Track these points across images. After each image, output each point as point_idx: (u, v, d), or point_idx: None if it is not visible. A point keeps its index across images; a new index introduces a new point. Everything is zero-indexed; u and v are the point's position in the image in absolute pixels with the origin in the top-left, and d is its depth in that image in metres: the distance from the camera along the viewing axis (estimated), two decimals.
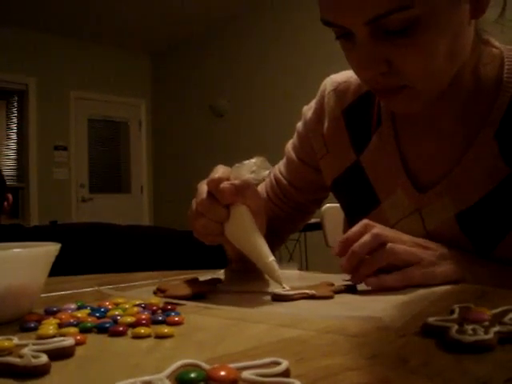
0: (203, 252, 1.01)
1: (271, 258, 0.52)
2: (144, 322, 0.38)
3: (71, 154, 5.66)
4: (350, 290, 0.52)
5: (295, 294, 0.48)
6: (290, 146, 0.84)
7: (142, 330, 0.36)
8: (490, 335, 0.30)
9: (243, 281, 0.60)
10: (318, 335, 0.35)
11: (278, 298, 0.48)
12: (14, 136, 5.46)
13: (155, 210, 6.30)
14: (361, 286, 0.52)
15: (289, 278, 0.53)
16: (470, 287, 0.52)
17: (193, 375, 0.24)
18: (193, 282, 0.54)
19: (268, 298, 0.49)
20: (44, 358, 0.28)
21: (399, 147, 0.67)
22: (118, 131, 6.24)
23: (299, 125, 0.82)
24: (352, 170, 0.72)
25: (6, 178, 1.54)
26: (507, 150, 0.59)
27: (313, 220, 1.03)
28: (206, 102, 5.37)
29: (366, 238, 0.53)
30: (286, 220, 0.86)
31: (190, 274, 0.64)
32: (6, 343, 0.31)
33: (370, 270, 0.52)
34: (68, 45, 5.57)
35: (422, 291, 0.49)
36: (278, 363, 0.26)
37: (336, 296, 0.49)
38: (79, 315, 0.41)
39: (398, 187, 0.66)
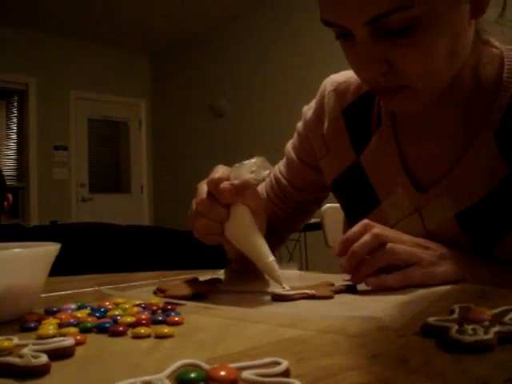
0: (203, 252, 1.01)
1: (271, 257, 0.52)
2: (144, 322, 0.38)
3: (71, 154, 5.66)
4: (350, 289, 0.52)
5: (295, 294, 0.48)
6: (289, 146, 0.84)
7: (142, 330, 0.36)
8: (490, 335, 0.30)
9: (243, 281, 0.60)
10: (317, 335, 0.35)
11: (278, 298, 0.48)
12: (14, 136, 5.47)
13: (155, 210, 6.30)
14: (361, 286, 0.52)
15: (289, 278, 0.53)
16: (470, 287, 0.52)
17: (193, 375, 0.24)
18: (193, 282, 0.54)
19: (268, 297, 0.49)
20: (44, 358, 0.28)
21: (399, 147, 0.67)
22: (118, 131, 6.24)
23: (299, 125, 0.82)
24: (352, 169, 0.72)
25: (6, 177, 1.53)
26: (507, 150, 0.59)
27: (313, 220, 1.03)
28: (206, 102, 5.37)
29: (365, 238, 0.53)
30: (286, 220, 0.86)
31: (189, 274, 0.64)
32: (6, 343, 0.31)
33: (370, 270, 0.52)
34: (68, 45, 5.57)
35: (421, 291, 0.49)
36: (278, 363, 0.26)
37: (336, 296, 0.49)
38: (79, 315, 0.41)
39: (397, 187, 0.66)
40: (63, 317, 0.40)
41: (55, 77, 5.49)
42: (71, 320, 0.40)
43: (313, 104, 0.80)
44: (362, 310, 0.43)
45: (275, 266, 0.51)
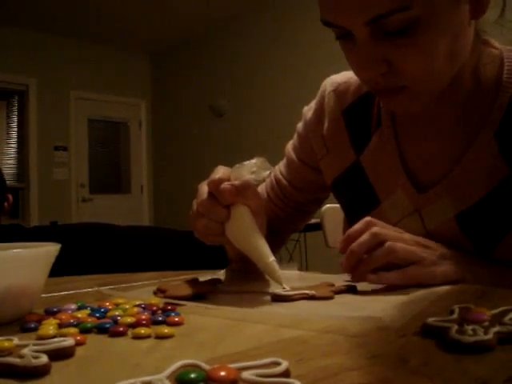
0: (203, 252, 1.01)
1: (272, 258, 0.52)
2: (144, 322, 0.38)
3: (71, 154, 5.66)
4: (350, 290, 0.52)
5: (295, 295, 0.48)
6: (290, 146, 0.85)
7: (142, 331, 0.36)
8: (490, 335, 0.30)
9: (244, 281, 0.60)
10: (317, 335, 0.35)
11: (278, 299, 0.48)
12: (15, 136, 5.47)
13: (155, 210, 6.30)
14: (361, 287, 0.52)
15: (289, 279, 0.53)
16: (470, 287, 0.52)
17: (193, 375, 0.24)
18: (193, 283, 0.54)
19: (268, 298, 0.49)
20: (44, 359, 0.28)
21: (399, 147, 0.67)
22: (118, 131, 6.24)
23: (299, 125, 0.82)
24: (352, 170, 0.72)
25: (6, 178, 1.53)
26: (507, 150, 0.59)
27: (313, 220, 1.03)
28: (206, 102, 5.38)
29: (364, 237, 0.53)
30: (287, 220, 0.86)
31: (190, 274, 0.64)
32: (7, 343, 0.31)
33: (370, 268, 0.52)
34: (68, 45, 5.57)
35: (422, 291, 0.49)
36: (278, 363, 0.26)
37: (336, 296, 0.49)
38: (79, 315, 0.41)
39: (397, 187, 0.66)
40: (63, 317, 0.40)
41: (55, 77, 5.49)
42: (71, 320, 0.40)
43: (313, 104, 0.80)
44: (362, 310, 0.43)
45: (276, 266, 0.52)
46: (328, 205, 1.68)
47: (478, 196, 0.60)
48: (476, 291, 0.49)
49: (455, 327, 0.32)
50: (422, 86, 0.56)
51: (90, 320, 0.40)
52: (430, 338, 0.32)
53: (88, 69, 5.74)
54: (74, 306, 0.45)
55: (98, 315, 0.42)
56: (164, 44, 5.92)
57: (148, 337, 0.36)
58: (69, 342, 0.32)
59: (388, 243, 0.53)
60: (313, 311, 0.44)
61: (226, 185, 0.52)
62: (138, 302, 0.46)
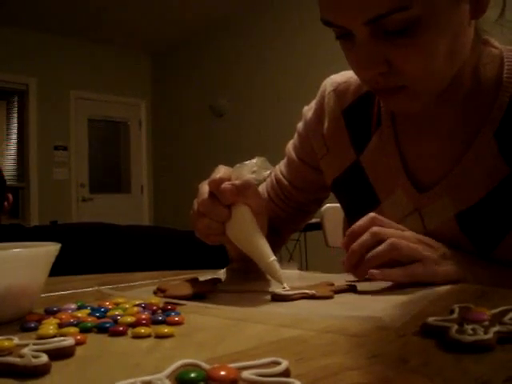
0: (203, 252, 1.01)
1: (272, 257, 0.52)
2: (144, 321, 0.38)
3: (71, 154, 5.66)
4: (350, 289, 0.52)
5: (295, 294, 0.48)
6: (290, 146, 0.85)
7: (142, 330, 0.36)
8: (490, 335, 0.30)
9: (243, 280, 0.60)
10: (317, 335, 0.35)
11: (278, 298, 0.48)
12: (15, 136, 5.47)
13: (155, 210, 6.30)
14: (361, 286, 0.52)
15: (289, 278, 0.53)
16: (470, 287, 0.52)
17: (193, 375, 0.24)
18: (193, 282, 0.54)
19: (268, 297, 0.49)
20: (44, 358, 0.28)
21: (399, 147, 0.67)
22: (118, 131, 6.24)
23: (299, 125, 0.82)
24: (352, 169, 0.72)
25: (6, 177, 1.53)
26: (507, 150, 0.59)
27: (313, 220, 1.03)
28: (206, 102, 5.37)
29: (365, 237, 0.53)
30: (287, 220, 0.86)
31: (189, 274, 0.64)
32: (7, 343, 0.31)
33: (374, 264, 0.52)
34: (68, 45, 5.57)
35: (422, 291, 0.49)
36: (278, 363, 0.26)
37: (336, 296, 0.49)
38: (79, 315, 0.41)
39: (397, 187, 0.66)
40: (63, 317, 0.40)
41: (55, 77, 5.49)
42: (71, 320, 0.40)
43: (313, 104, 0.80)
44: (362, 309, 0.43)
45: (276, 265, 0.52)
46: (328, 204, 1.68)
47: (478, 196, 0.60)
48: (476, 291, 0.49)
49: (455, 327, 0.32)
50: (422, 86, 0.56)
51: (89, 319, 0.40)
52: (430, 338, 0.32)
53: (88, 69, 5.74)
54: (73, 306, 0.45)
55: (97, 315, 0.42)
56: (164, 44, 5.92)
57: (148, 336, 0.36)
58: (69, 341, 0.32)
59: (392, 239, 0.53)
60: (313, 311, 0.44)
61: (226, 184, 0.52)
62: (137, 302, 0.45)
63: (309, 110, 0.81)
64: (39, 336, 0.35)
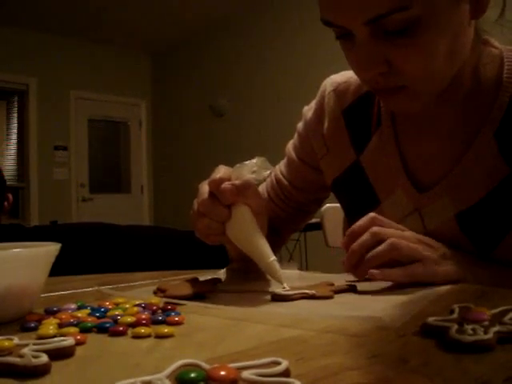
0: (203, 252, 1.01)
1: (272, 257, 0.52)
2: (144, 321, 0.38)
3: (71, 154, 5.66)
4: (350, 289, 0.52)
5: (295, 294, 0.48)
6: (290, 146, 0.85)
7: (142, 330, 0.36)
8: (490, 335, 0.30)
9: (243, 280, 0.60)
10: (317, 335, 0.35)
11: (278, 298, 0.48)
12: (15, 136, 5.47)
13: (155, 210, 6.30)
14: (361, 286, 0.52)
15: (289, 278, 0.53)
16: (470, 287, 0.52)
17: (193, 375, 0.24)
18: (193, 282, 0.54)
19: (268, 297, 0.49)
20: (44, 358, 0.28)
21: (399, 147, 0.67)
22: (118, 131, 6.24)
23: (299, 125, 0.82)
24: (352, 169, 0.72)
25: (6, 177, 1.53)
26: (507, 150, 0.59)
27: (313, 220, 1.03)
28: (206, 102, 5.38)
29: (365, 237, 0.53)
30: (287, 220, 0.86)
31: (189, 274, 0.64)
32: (7, 343, 0.31)
33: (374, 264, 0.52)
34: (68, 45, 5.57)
35: (422, 291, 0.49)
36: (278, 363, 0.26)
37: (336, 296, 0.49)
38: (79, 315, 0.41)
39: (397, 187, 0.66)
40: (63, 317, 0.40)
41: (55, 77, 5.49)
42: (71, 320, 0.40)
43: (313, 104, 0.80)
44: (362, 309, 0.43)
45: (276, 265, 0.52)
46: (328, 204, 1.68)
47: (478, 196, 0.60)
48: (476, 291, 0.49)
49: (455, 327, 0.32)
50: (422, 86, 0.56)
51: (90, 319, 0.40)
52: (430, 338, 0.32)
53: (88, 69, 5.74)
54: (73, 306, 0.45)
55: (97, 315, 0.42)
56: (164, 44, 5.92)
57: (148, 336, 0.36)
58: (69, 341, 0.32)
59: (392, 239, 0.53)
60: (313, 311, 0.44)
61: (226, 184, 0.52)
62: (138, 302, 0.46)
63: (309, 110, 0.81)
64: (39, 336, 0.35)
